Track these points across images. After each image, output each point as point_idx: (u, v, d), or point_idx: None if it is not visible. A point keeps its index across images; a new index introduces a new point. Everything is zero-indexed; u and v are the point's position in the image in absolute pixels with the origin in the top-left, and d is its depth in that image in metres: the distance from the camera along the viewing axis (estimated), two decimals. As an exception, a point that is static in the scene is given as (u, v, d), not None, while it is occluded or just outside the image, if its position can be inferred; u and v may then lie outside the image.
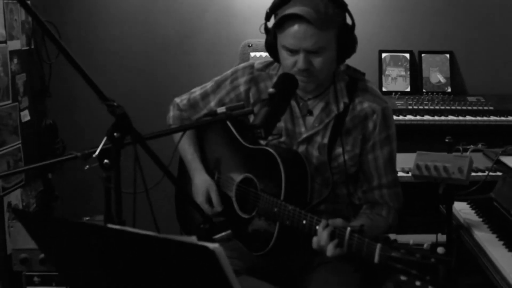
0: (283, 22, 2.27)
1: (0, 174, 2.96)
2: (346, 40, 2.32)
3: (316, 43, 2.24)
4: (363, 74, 2.46)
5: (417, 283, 1.82)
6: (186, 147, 2.63)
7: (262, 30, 2.40)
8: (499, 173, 3.01)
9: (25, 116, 3.44)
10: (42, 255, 3.04)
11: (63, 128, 3.79)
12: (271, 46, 2.38)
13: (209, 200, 2.51)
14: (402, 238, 3.55)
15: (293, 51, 2.28)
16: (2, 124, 3.21)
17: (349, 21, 2.35)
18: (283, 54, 2.32)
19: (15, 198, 3.29)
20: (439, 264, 1.80)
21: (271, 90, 2.19)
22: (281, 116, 2.22)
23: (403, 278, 1.86)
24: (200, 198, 2.50)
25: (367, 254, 1.97)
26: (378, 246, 1.93)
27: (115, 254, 1.54)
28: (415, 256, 1.83)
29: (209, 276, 1.42)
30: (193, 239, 1.37)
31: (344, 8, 2.31)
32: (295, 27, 2.24)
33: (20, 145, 3.37)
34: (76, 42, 4.03)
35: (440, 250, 1.84)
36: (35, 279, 3.10)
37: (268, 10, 2.34)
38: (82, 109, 3.99)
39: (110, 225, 1.54)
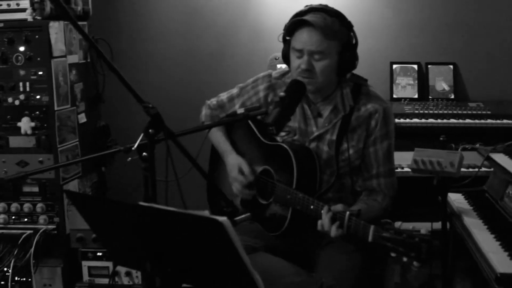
0: (294, 28, 2.37)
1: (59, 165, 3.14)
2: (348, 55, 2.38)
3: (318, 47, 2.31)
4: (366, 80, 2.51)
5: (404, 258, 1.90)
6: (218, 136, 2.71)
7: (281, 39, 2.47)
8: (491, 169, 3.03)
9: (82, 118, 3.52)
10: (94, 235, 3.15)
11: (115, 129, 3.86)
12: (286, 54, 2.47)
13: (241, 172, 2.54)
14: (405, 226, 3.58)
15: (299, 52, 2.36)
16: (62, 124, 3.31)
17: (353, 41, 2.40)
18: (292, 57, 2.41)
19: (73, 187, 3.39)
20: (422, 242, 1.88)
21: (281, 93, 2.29)
22: (290, 115, 2.31)
23: (393, 254, 1.94)
24: (234, 172, 2.55)
25: (363, 234, 2.05)
26: (372, 227, 2.02)
27: (145, 227, 1.65)
28: (402, 235, 1.92)
29: (220, 244, 1.51)
30: (205, 213, 1.48)
31: (350, 28, 2.38)
32: (303, 31, 2.34)
33: (77, 142, 3.45)
34: (127, 55, 4.13)
35: (423, 230, 1.92)
36: (89, 254, 3.22)
37: (286, 23, 2.43)
38: (130, 113, 4.03)
39: (141, 203, 1.64)
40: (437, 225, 2.64)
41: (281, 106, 2.25)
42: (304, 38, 2.34)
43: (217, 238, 1.50)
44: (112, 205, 1.73)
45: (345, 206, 2.20)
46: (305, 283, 2.25)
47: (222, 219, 1.46)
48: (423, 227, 2.25)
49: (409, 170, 3.38)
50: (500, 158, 2.85)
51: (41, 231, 3.25)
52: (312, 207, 2.24)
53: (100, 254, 3.22)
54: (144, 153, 1.87)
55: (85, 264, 3.23)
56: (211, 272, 1.65)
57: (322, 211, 2.19)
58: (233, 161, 2.60)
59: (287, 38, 2.44)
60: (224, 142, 2.70)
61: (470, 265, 3.22)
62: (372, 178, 2.49)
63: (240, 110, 2.21)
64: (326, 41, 2.32)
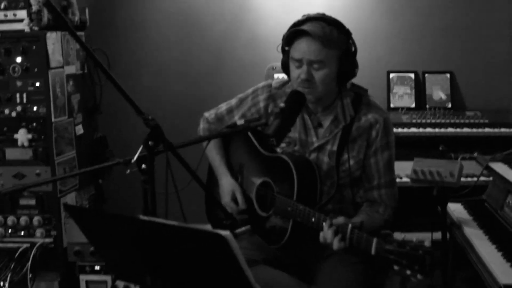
0: (293, 38, 2.35)
1: (57, 178, 3.11)
2: (347, 63, 2.36)
3: (317, 56, 2.30)
4: (366, 90, 2.50)
5: (408, 271, 1.88)
6: (214, 154, 2.70)
7: (279, 50, 2.46)
8: (491, 178, 3.02)
9: (79, 130, 3.50)
10: (92, 248, 3.11)
11: (112, 141, 3.84)
12: (285, 64, 2.45)
13: (234, 200, 2.57)
14: (406, 236, 3.56)
15: (298, 62, 2.34)
16: (59, 136, 3.28)
17: (352, 48, 2.39)
18: (291, 67, 2.39)
19: (70, 200, 3.36)
20: (426, 255, 1.85)
21: (282, 105, 2.27)
22: (290, 126, 2.29)
23: (396, 267, 1.91)
24: (226, 198, 2.56)
25: (365, 246, 2.03)
26: (375, 240, 1.99)
27: (146, 241, 1.62)
28: (405, 248, 1.89)
29: (223, 259, 1.49)
30: (207, 227, 1.46)
31: (348, 36, 2.37)
32: (302, 41, 2.32)
33: (75, 154, 3.43)
34: (124, 65, 4.12)
35: (426, 243, 1.89)
36: (87, 268, 3.17)
37: (284, 33, 2.41)
38: (129, 124, 4.04)
39: (141, 217, 1.62)
40: (437, 235, 2.64)
41: (282, 117, 2.23)
42: (303, 48, 2.33)
43: (220, 253, 1.48)
44: (112, 219, 1.70)
45: (346, 219, 2.18)
46: (306, 297, 2.23)
47: (225, 233, 1.43)
48: (423, 237, 2.23)
49: (408, 180, 3.38)
50: (499, 167, 2.85)
51: (38, 244, 3.22)
52: (313, 219, 2.22)
53: (98, 268, 3.17)
54: (143, 165, 1.85)
55: (83, 278, 3.18)
56: (213, 287, 1.63)
57: (324, 224, 2.17)
58: (227, 186, 2.60)
59: (286, 48, 2.43)
60: (219, 163, 2.68)
61: (470, 275, 3.21)
62: (373, 189, 2.47)
63: (240, 121, 2.20)
64: (325, 50, 2.31)
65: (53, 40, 3.23)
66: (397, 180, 3.20)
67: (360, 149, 2.44)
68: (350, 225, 2.10)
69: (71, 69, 3.43)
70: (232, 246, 1.44)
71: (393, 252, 1.91)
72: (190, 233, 1.49)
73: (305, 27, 2.31)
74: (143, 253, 1.67)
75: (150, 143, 1.84)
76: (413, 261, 1.86)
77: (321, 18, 2.35)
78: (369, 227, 2.20)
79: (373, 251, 1.99)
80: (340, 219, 2.16)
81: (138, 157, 1.86)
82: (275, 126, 2.21)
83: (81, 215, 1.83)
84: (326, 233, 2.15)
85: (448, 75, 4.05)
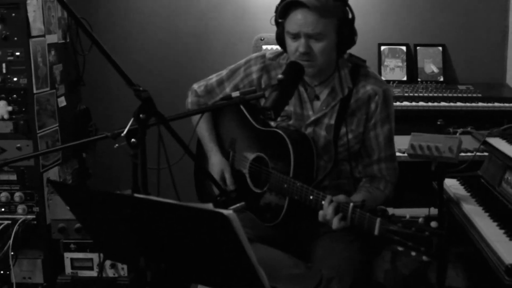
0: (287, 10, 2.26)
1: (40, 152, 2.99)
2: (346, 31, 2.29)
3: (315, 28, 2.21)
4: (364, 61, 2.42)
5: (413, 253, 1.82)
6: (204, 130, 2.61)
7: (273, 22, 2.37)
8: (486, 154, 2.97)
9: (62, 102, 3.39)
10: (77, 225, 3.01)
11: (96, 113, 3.75)
12: (280, 37, 2.36)
13: (223, 179, 2.50)
14: (399, 212, 3.55)
15: (295, 36, 2.25)
16: (41, 108, 3.17)
17: (349, 15, 2.31)
18: (288, 40, 2.30)
19: (53, 174, 3.26)
20: (433, 236, 1.79)
21: (280, 76, 2.17)
22: (289, 99, 2.20)
23: (400, 248, 1.85)
24: (215, 177, 2.47)
25: (368, 227, 1.95)
26: (378, 220, 1.91)
27: (141, 220, 1.54)
28: (411, 229, 1.82)
29: (224, 239, 1.42)
30: (210, 206, 1.37)
31: (345, 2, 2.28)
32: (297, 13, 2.23)
33: (57, 127, 3.32)
34: (107, 35, 3.99)
35: (433, 224, 1.82)
36: (71, 246, 3.07)
37: (277, 4, 2.32)
38: (113, 96, 3.96)
39: (136, 195, 1.53)
40: (426, 211, 2.58)
41: (280, 89, 2.13)
42: (299, 21, 2.22)
43: (222, 233, 1.40)
44: (104, 197, 1.60)
45: (347, 197, 2.10)
46: (304, 276, 2.18)
47: (228, 212, 1.35)
48: (418, 213, 2.16)
49: (401, 154, 3.33)
50: (497, 142, 2.79)
51: (20, 221, 3.12)
52: (311, 197, 2.15)
53: (84, 245, 3.07)
54: (133, 139, 1.77)
55: (68, 256, 3.08)
56: (214, 268, 1.55)
57: (323, 202, 2.09)
58: (216, 164, 2.53)
59: (280, 20, 2.33)
60: (208, 139, 2.60)
61: (464, 251, 3.18)
62: (373, 164, 2.40)
63: (235, 94, 2.09)
64: (322, 20, 2.21)
65: (34, 7, 3.09)
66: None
67: (359, 123, 2.36)
68: (351, 204, 2.02)
69: (53, 38, 3.31)
70: (235, 227, 1.37)
71: (397, 233, 1.84)
72: (190, 212, 1.40)
73: None
74: (137, 233, 1.59)
75: (141, 116, 1.76)
76: (419, 242, 1.80)
77: None
78: (370, 204, 2.12)
79: (376, 231, 1.91)
80: (341, 197, 2.09)
81: (128, 130, 1.77)
82: (273, 99, 2.11)
83: (69, 193, 1.73)
84: (327, 210, 2.07)
85: (440, 48, 3.98)
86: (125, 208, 1.55)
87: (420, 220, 1.82)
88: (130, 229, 1.59)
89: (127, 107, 1.77)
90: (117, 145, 1.91)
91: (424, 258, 1.79)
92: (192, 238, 1.48)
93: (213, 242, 1.45)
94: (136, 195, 1.52)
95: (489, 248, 2.16)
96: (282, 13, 2.29)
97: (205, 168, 2.53)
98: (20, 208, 3.16)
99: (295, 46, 2.27)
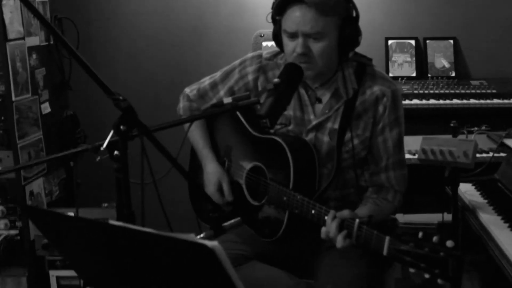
0: (284, 6, 2.14)
1: (22, 165, 2.89)
2: (348, 31, 2.15)
3: (314, 27, 2.09)
4: (370, 59, 2.30)
5: (426, 275, 1.71)
6: (198, 136, 2.49)
7: (269, 19, 2.25)
8: (502, 154, 2.89)
9: (46, 108, 3.33)
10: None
11: (85, 119, 3.68)
12: (277, 35, 2.24)
13: (220, 190, 2.38)
14: (409, 218, 3.41)
15: (292, 35, 2.13)
16: (22, 117, 3.09)
17: (353, 13, 2.18)
18: (285, 40, 2.18)
19: (37, 186, 3.19)
20: (449, 257, 1.67)
21: (276, 80, 2.05)
22: (286, 105, 2.08)
23: (411, 270, 1.74)
24: (211, 187, 2.37)
25: (376, 246, 1.84)
26: (387, 239, 1.80)
27: (118, 250, 1.41)
28: (423, 249, 1.71)
29: (210, 272, 1.28)
30: (191, 236, 1.24)
31: None
32: (295, 9, 2.11)
33: (41, 136, 3.26)
34: (96, 35, 3.93)
35: (449, 243, 1.70)
36: (57, 263, 3.03)
37: (274, 0, 2.20)
38: (102, 101, 3.82)
39: (112, 222, 1.40)
40: (438, 216, 2.48)
41: (276, 95, 2.00)
42: (297, 18, 2.10)
43: (207, 265, 1.27)
44: (77, 223, 1.48)
45: (352, 212, 1.97)
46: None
47: (213, 244, 1.21)
48: (429, 219, 2.04)
49: (411, 157, 3.21)
50: (515, 144, 2.67)
51: (2, 237, 3.07)
52: (313, 211, 2.03)
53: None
54: (115, 152, 1.68)
55: (53, 273, 3.05)
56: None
57: (326, 218, 1.96)
58: (213, 174, 2.40)
59: (277, 17, 2.21)
60: (203, 146, 2.48)
61: (479, 259, 3.05)
62: (381, 172, 2.27)
63: (227, 100, 1.96)
64: (322, 18, 2.08)
65: (11, 8, 3.03)
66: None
67: (366, 127, 2.24)
68: (357, 220, 1.89)
69: (34, 41, 3.25)
70: (221, 259, 1.22)
71: (409, 254, 1.72)
72: (171, 244, 1.26)
73: None
74: (115, 263, 1.45)
75: (121, 127, 1.66)
76: (433, 264, 1.68)
77: None
78: (378, 217, 2.00)
79: (385, 252, 1.79)
80: (345, 213, 1.96)
81: (109, 142, 1.68)
82: (268, 105, 1.98)
83: (42, 218, 1.60)
84: (330, 227, 1.95)
85: (451, 41, 3.92)
86: (100, 236, 1.42)
87: (435, 239, 1.69)
88: (107, 259, 1.46)
89: (118, 112, 1.69)
90: (99, 158, 1.82)
91: (439, 281, 1.67)
92: (174, 270, 1.35)
93: (198, 275, 1.32)
94: (111, 222, 1.39)
95: (509, 264, 2.04)
96: (279, 9, 2.17)
97: (197, 182, 2.42)
98: (2, 223, 3.12)
99: (292, 46, 2.14)
